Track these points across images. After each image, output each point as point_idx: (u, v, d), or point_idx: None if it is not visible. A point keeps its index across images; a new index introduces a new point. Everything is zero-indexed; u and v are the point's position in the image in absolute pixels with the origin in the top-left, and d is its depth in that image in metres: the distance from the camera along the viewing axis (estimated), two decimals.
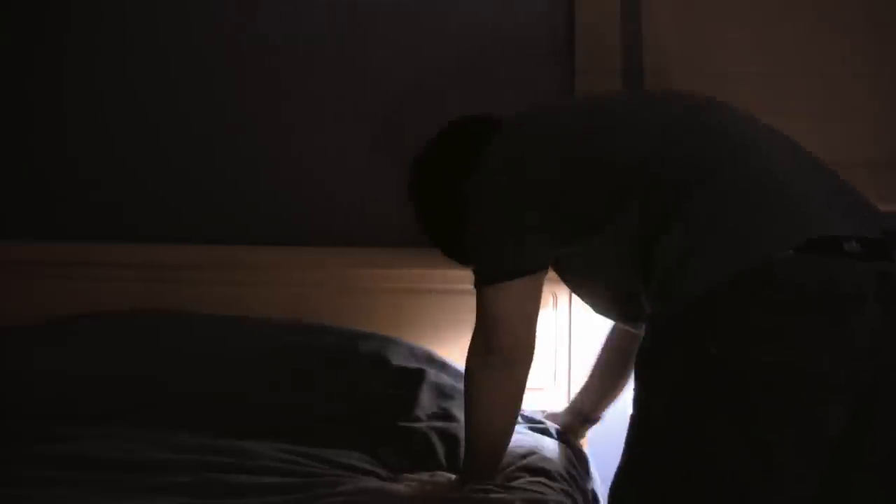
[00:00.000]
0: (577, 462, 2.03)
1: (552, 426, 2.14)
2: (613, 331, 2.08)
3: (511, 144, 1.74)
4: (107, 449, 1.83)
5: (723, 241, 1.42)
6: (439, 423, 2.02)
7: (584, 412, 2.16)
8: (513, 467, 1.85)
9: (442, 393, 2.11)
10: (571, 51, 2.53)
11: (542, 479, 1.80)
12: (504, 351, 1.71)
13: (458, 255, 1.88)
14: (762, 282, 1.36)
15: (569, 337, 2.40)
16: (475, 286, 1.73)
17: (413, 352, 2.23)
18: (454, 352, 2.23)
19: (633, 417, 1.52)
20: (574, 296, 2.34)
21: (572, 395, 2.30)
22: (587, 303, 1.82)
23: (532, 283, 1.71)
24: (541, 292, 1.74)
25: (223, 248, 2.52)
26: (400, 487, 1.78)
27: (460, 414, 1.94)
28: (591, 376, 2.14)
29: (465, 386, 1.81)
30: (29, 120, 2.66)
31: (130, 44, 2.62)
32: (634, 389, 1.52)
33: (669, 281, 1.44)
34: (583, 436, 2.21)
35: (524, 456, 1.90)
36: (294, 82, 2.60)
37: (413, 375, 2.12)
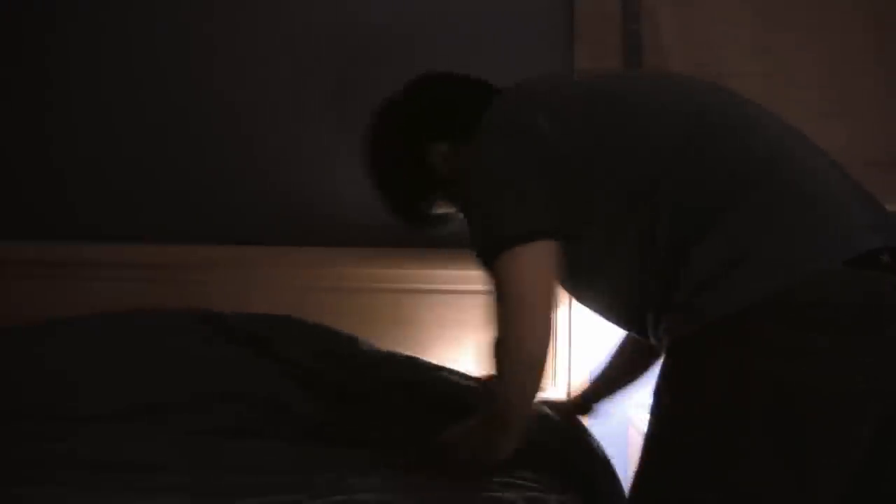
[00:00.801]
0: (578, 442, 1.96)
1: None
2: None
3: (526, 111, 1.59)
4: (106, 449, 1.82)
5: (766, 256, 1.38)
6: None
7: (582, 397, 2.10)
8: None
9: None
10: (571, 50, 2.54)
11: (541, 473, 1.74)
12: (530, 339, 1.52)
13: (416, 221, 1.82)
14: (808, 298, 1.34)
15: (569, 337, 2.40)
16: (487, 265, 1.55)
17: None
18: (456, 352, 2.23)
19: (659, 428, 1.47)
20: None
21: (572, 395, 2.29)
22: (588, 306, 1.73)
23: (549, 252, 1.52)
24: (556, 272, 1.55)
25: (223, 248, 2.52)
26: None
27: None
28: (603, 366, 2.07)
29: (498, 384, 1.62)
30: (29, 120, 2.66)
31: (127, 41, 2.63)
32: (662, 402, 1.47)
33: (705, 293, 1.39)
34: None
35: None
36: (295, 82, 2.60)
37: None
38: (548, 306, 1.52)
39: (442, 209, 1.82)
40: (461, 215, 1.73)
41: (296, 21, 2.59)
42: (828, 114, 2.49)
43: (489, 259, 1.53)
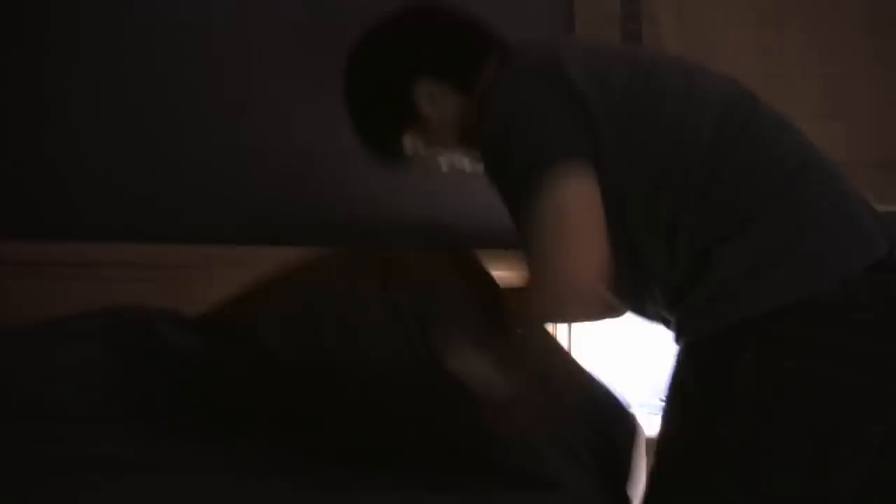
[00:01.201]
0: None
1: None
2: None
3: (558, 64, 1.47)
4: (100, 449, 1.76)
5: (798, 259, 1.37)
6: None
7: None
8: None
9: None
10: None
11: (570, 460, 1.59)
12: (584, 263, 1.38)
13: (378, 151, 1.73)
14: (840, 300, 1.34)
15: (568, 336, 2.41)
16: (529, 191, 1.40)
17: None
18: None
19: (685, 425, 1.43)
20: None
21: None
22: None
23: (594, 177, 1.40)
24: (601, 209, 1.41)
25: (223, 248, 2.52)
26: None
27: None
28: None
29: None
30: (29, 120, 2.66)
31: (127, 41, 2.63)
32: (686, 399, 1.43)
33: (732, 292, 1.36)
34: None
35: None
36: (295, 81, 2.60)
37: None
38: (602, 228, 1.39)
39: (407, 148, 1.71)
40: (457, 161, 1.71)
41: (297, 21, 2.59)
42: (828, 114, 2.50)
43: (532, 181, 1.39)
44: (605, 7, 2.53)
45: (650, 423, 2.36)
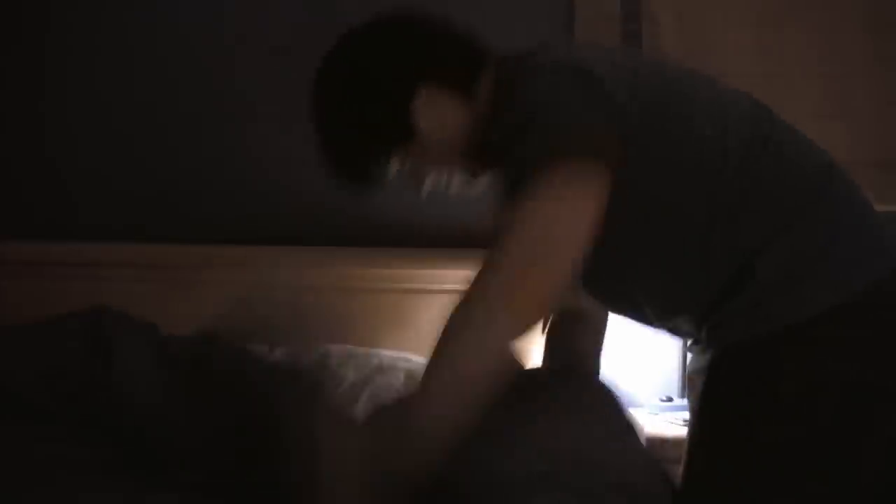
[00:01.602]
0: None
1: None
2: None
3: (584, 73, 1.35)
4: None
5: (834, 265, 1.36)
6: None
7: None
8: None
9: None
10: None
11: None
12: (536, 300, 1.25)
13: (362, 177, 1.52)
14: (878, 303, 1.34)
15: None
16: (527, 181, 1.26)
17: None
18: None
19: (725, 432, 1.39)
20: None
21: None
22: (604, 287, 1.52)
23: (601, 195, 1.27)
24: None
25: (223, 248, 2.52)
26: None
27: None
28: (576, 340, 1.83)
29: (440, 354, 1.28)
30: (29, 120, 2.66)
31: (127, 41, 2.63)
32: (726, 406, 1.39)
33: (771, 300, 1.35)
34: None
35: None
36: (295, 81, 2.60)
37: None
38: (582, 251, 1.25)
39: (393, 169, 1.53)
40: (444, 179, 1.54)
41: (297, 23, 2.59)
42: (828, 114, 2.50)
43: (542, 168, 1.25)
44: (605, 7, 2.53)
45: (650, 423, 2.36)
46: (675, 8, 2.54)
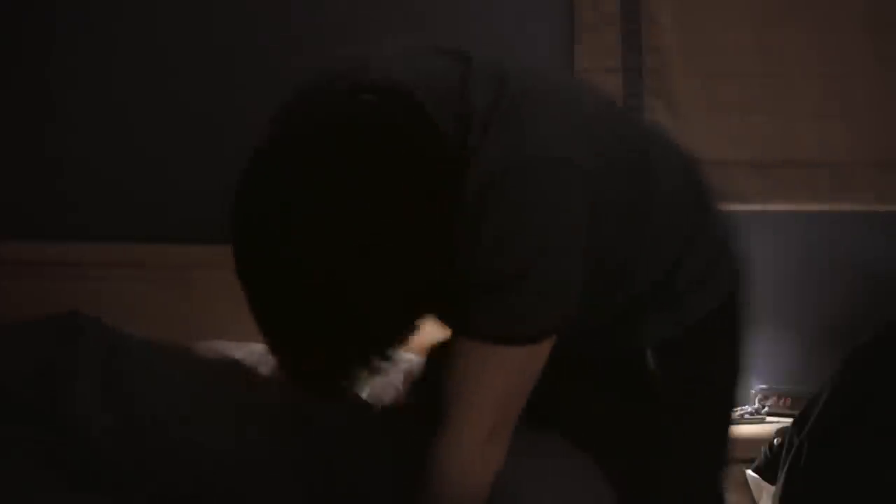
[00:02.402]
0: None
1: None
2: None
3: (571, 172, 1.22)
4: None
5: (723, 271, 1.50)
6: None
7: None
8: None
9: None
10: (571, 51, 2.54)
11: None
12: (508, 429, 1.28)
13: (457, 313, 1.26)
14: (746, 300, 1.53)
15: None
16: (504, 343, 1.22)
17: None
18: None
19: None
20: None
21: None
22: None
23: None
24: None
25: (223, 248, 2.51)
26: None
27: None
28: None
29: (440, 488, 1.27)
30: (29, 119, 2.66)
31: (127, 40, 2.63)
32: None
33: (689, 301, 1.47)
34: None
35: None
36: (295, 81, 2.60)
37: None
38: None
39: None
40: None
41: (299, 22, 2.59)
42: (828, 114, 2.49)
43: (514, 344, 1.22)
44: (605, 7, 2.53)
45: None
46: (675, 8, 2.53)
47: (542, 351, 1.24)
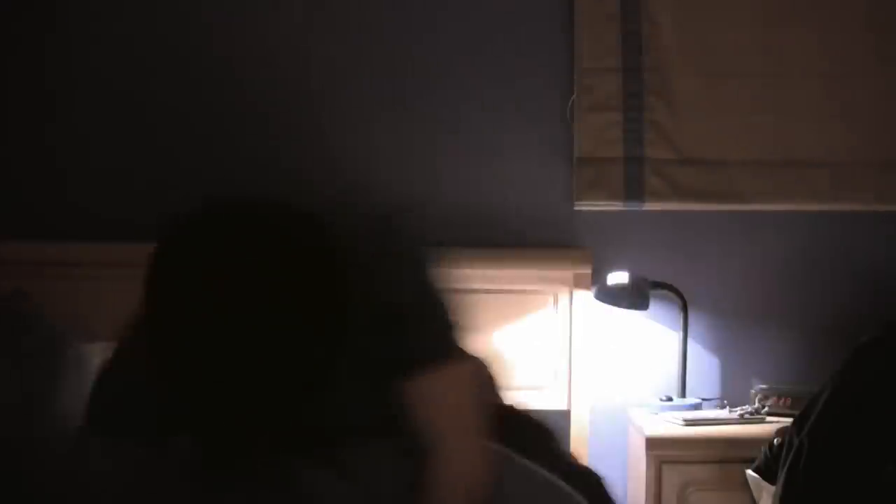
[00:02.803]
0: None
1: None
2: None
3: None
4: None
5: None
6: None
7: None
8: None
9: None
10: (571, 50, 2.54)
11: None
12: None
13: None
14: None
15: (569, 336, 2.40)
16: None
17: None
18: None
19: None
20: (574, 295, 2.35)
21: (572, 394, 2.29)
22: None
23: None
24: None
25: None
26: None
27: None
28: None
29: None
30: (29, 120, 2.66)
31: (126, 41, 2.63)
32: None
33: None
34: None
35: None
36: (298, 80, 2.60)
37: None
38: None
39: None
40: None
41: (299, 22, 2.59)
42: (828, 114, 2.49)
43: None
44: (605, 7, 2.53)
45: (650, 423, 2.36)
46: (675, 8, 2.53)
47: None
